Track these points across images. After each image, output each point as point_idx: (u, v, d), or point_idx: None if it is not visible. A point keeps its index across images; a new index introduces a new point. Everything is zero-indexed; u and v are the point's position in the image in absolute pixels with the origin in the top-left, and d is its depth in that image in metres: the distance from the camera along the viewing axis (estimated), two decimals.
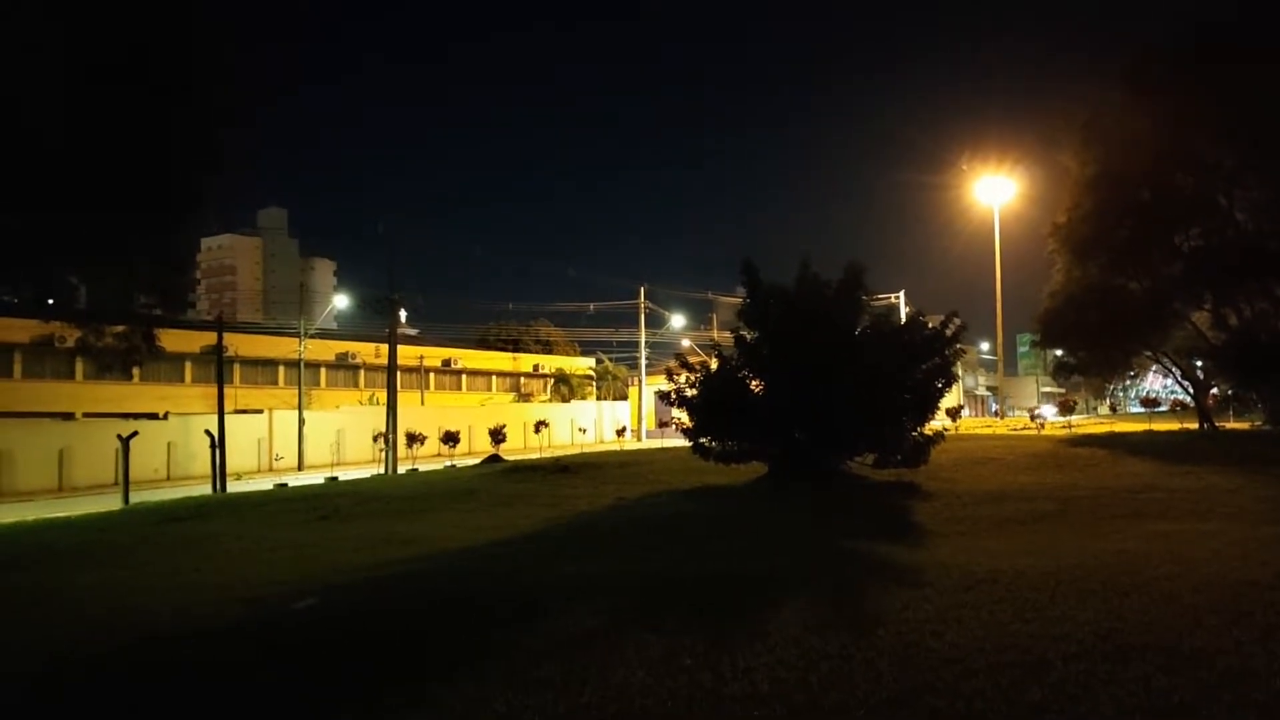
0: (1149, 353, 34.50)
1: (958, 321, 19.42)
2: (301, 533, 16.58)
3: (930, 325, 19.80)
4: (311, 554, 13.83)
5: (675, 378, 20.31)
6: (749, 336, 19.80)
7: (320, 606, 9.03)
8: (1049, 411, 53.27)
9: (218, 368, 33.07)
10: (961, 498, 16.00)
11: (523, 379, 74.38)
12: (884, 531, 12.94)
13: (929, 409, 19.10)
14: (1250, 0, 30.17)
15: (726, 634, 6.88)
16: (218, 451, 29.98)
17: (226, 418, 43.30)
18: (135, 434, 28.45)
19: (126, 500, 26.69)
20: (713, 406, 19.56)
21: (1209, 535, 11.26)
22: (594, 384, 74.20)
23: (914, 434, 19.02)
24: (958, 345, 19.55)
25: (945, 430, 20.21)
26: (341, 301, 61.02)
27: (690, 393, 19.75)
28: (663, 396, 20.84)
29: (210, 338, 46.61)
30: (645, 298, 64.55)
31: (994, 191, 55.94)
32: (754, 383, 19.75)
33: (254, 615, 8.80)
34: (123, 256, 17.22)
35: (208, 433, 30.46)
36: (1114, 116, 32.22)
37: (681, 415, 20.32)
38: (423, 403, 59.55)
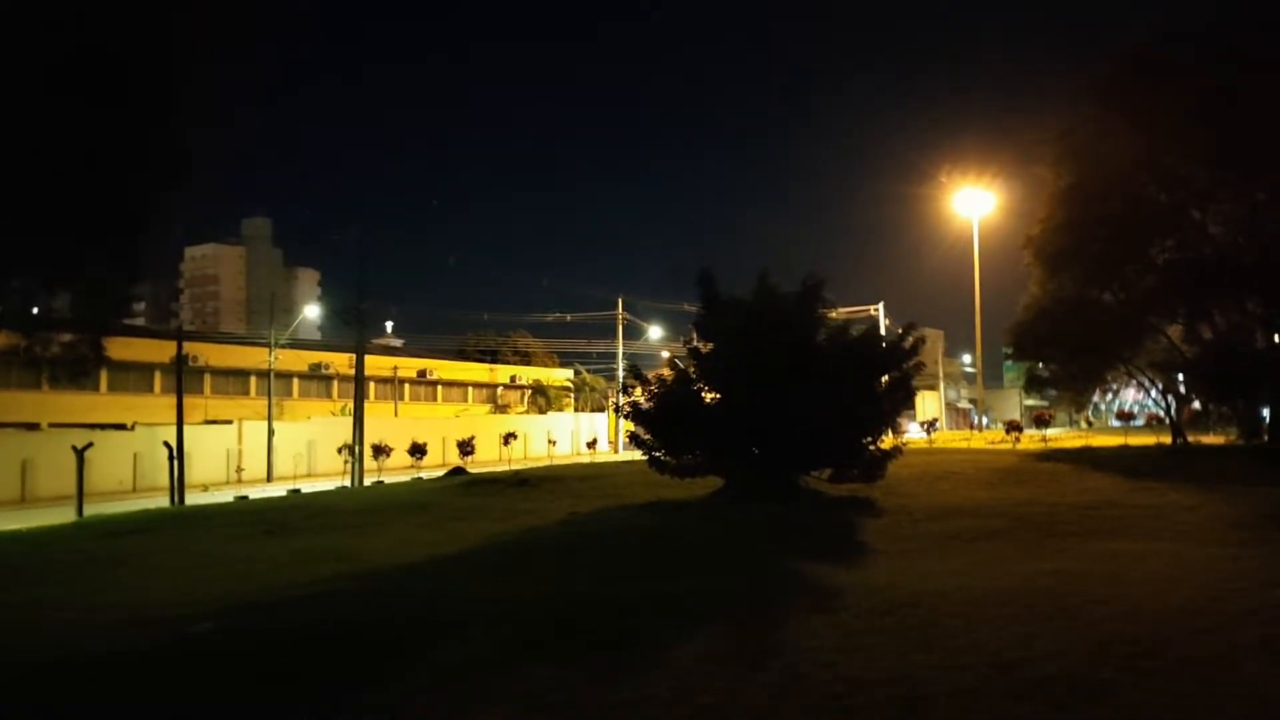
0: (1122, 365, 34.20)
1: (916, 334, 19.14)
2: (241, 548, 16.17)
3: (889, 338, 19.51)
4: (242, 571, 13.46)
5: (630, 391, 19.95)
6: (704, 349, 19.45)
7: (217, 629, 8.66)
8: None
9: (177, 379, 32.60)
10: (914, 514, 15.69)
11: (500, 390, 73.94)
12: (826, 550, 12.60)
13: (887, 423, 18.78)
14: (1221, 12, 30.04)
15: (615, 665, 6.55)
16: (176, 463, 29.51)
17: (195, 429, 42.87)
18: (90, 445, 28.01)
19: (80, 513, 26.23)
20: (668, 420, 19.18)
21: (1154, 555, 10.95)
22: (572, 396, 73.76)
23: (872, 448, 18.68)
24: (917, 358, 19.24)
25: (903, 446, 19.79)
26: (312, 311, 60.58)
27: (645, 405, 19.39)
28: (617, 410, 20.45)
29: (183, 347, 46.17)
30: (623, 309, 64.39)
31: (974, 204, 55.75)
32: (710, 395, 19.38)
33: (142, 639, 8.42)
34: (75, 270, 16.83)
35: (166, 444, 30.02)
36: (1088, 129, 31.96)
37: (638, 428, 19.95)
38: (396, 414, 59.05)
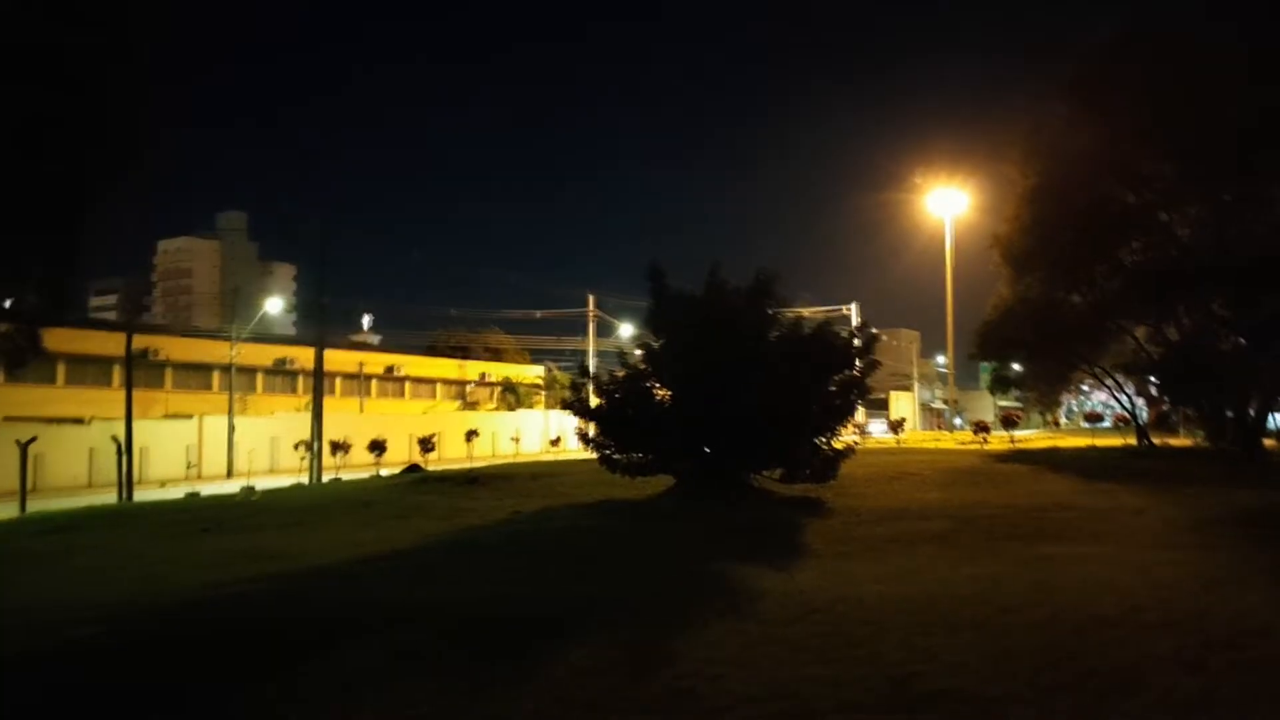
0: (1087, 367, 34.02)
1: (870, 332, 18.81)
2: (169, 547, 15.71)
3: (844, 336, 19.13)
4: (159, 571, 12.98)
5: (581, 389, 19.55)
6: (656, 345, 19.04)
7: (102, 635, 8.22)
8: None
9: (127, 372, 31.99)
10: (860, 515, 15.34)
11: (469, 387, 73.21)
12: (761, 553, 12.20)
13: (839, 422, 18.41)
14: (1193, 13, 29.83)
15: (494, 676, 6.19)
16: (123, 459, 28.93)
17: (154, 424, 42.31)
18: (34, 439, 27.41)
19: (23, 508, 25.66)
20: (618, 417, 18.79)
21: (1090, 560, 10.64)
22: (542, 393, 73.03)
23: (824, 448, 18.32)
24: (871, 356, 18.90)
25: (854, 446, 19.40)
26: (275, 305, 59.78)
27: (594, 402, 18.98)
28: (567, 406, 20.04)
29: (144, 340, 45.49)
30: (596, 307, 63.93)
31: (947, 204, 55.47)
32: (662, 392, 18.98)
33: (17, 645, 7.97)
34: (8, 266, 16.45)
35: (115, 439, 29.43)
36: (1055, 127, 31.77)
37: (589, 426, 19.53)
38: (362, 410, 58.44)
